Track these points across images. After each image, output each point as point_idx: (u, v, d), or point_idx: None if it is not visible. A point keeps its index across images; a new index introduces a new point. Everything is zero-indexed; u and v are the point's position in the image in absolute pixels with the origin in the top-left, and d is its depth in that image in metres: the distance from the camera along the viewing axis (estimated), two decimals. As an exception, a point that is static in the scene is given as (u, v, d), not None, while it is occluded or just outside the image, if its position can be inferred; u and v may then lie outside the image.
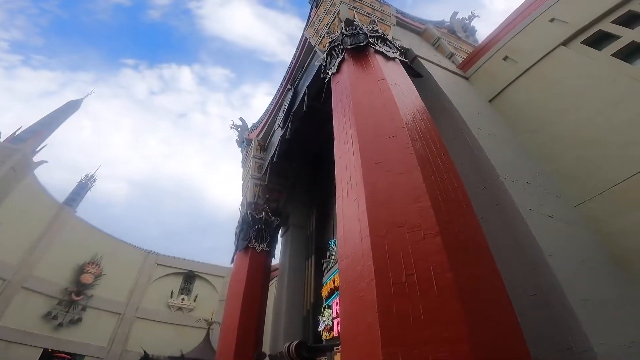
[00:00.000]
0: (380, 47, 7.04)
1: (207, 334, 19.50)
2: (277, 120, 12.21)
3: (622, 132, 5.89)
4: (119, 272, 23.15)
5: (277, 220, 12.92)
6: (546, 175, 6.58)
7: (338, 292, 10.93)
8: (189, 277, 24.64)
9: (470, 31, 11.23)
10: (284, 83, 12.55)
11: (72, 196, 28.71)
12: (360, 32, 7.26)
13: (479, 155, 6.24)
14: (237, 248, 12.77)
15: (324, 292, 11.66)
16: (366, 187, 4.71)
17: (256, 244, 12.41)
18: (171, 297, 23.65)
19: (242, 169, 15.05)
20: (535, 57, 7.37)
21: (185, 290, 24.38)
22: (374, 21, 7.90)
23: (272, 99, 13.77)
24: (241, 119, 15.56)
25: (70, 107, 36.41)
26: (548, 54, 7.16)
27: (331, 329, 10.73)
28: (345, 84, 6.61)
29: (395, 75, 6.46)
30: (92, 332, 21.60)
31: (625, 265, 5.44)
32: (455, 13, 11.44)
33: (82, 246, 23.16)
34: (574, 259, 5.26)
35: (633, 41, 6.04)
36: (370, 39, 7.05)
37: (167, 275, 24.26)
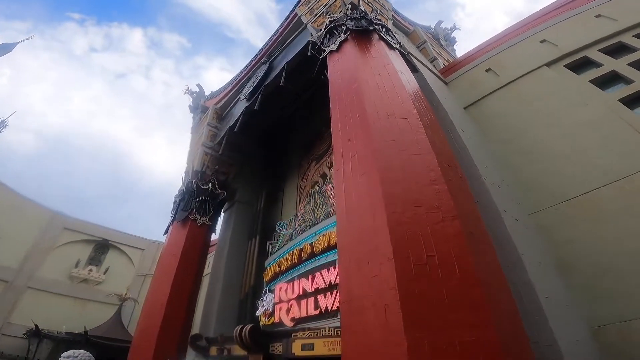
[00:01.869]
0: (384, 35, 6.96)
1: (118, 311, 17.28)
2: (244, 92, 11.62)
3: (581, 153, 6.41)
4: (15, 234, 19.16)
5: (224, 193, 11.96)
6: (509, 184, 6.97)
7: (284, 276, 10.51)
8: (102, 247, 21.21)
9: (450, 41, 11.73)
10: (259, 56, 12.11)
11: (-28, 142, 23.53)
12: (365, 17, 7.24)
13: (464, 154, 6.39)
14: (174, 218, 11.53)
15: (267, 275, 11.13)
16: (379, 162, 4.44)
17: (197, 216, 11.33)
18: (76, 266, 20.04)
19: (191, 135, 14.19)
20: (517, 73, 7.77)
21: (95, 260, 20.87)
22: (376, 10, 7.77)
23: (241, 71, 13.23)
24: (198, 85, 14.71)
25: (1, 50, 30.05)
26: (530, 72, 7.58)
27: (272, 314, 10.24)
28: (349, 63, 6.47)
29: (398, 64, 6.41)
30: (-32, 300, 17.79)
31: (566, 270, 5.92)
32: (440, 22, 11.98)
33: (-26, 199, 18.74)
34: (535, 260, 5.61)
35: (613, 70, 6.59)
36: (375, 26, 6.93)
37: (76, 242, 20.61)
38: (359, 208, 4.33)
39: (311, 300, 9.18)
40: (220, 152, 11.93)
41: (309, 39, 8.42)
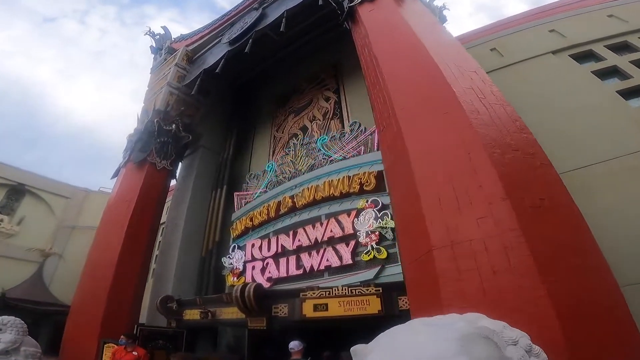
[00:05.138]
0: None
1: (40, 269, 14.04)
2: (227, 36, 10.80)
3: (577, 134, 6.73)
4: None
5: (189, 137, 10.53)
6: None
7: (256, 232, 9.62)
8: (16, 192, 16.66)
9: (442, 19, 11.61)
10: (248, 2, 11.33)
11: None
12: None
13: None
14: (127, 159, 9.78)
15: (236, 230, 10.14)
16: (463, 103, 4.02)
17: (157, 159, 9.76)
18: (-17, 215, 15.19)
19: (150, 75, 13.02)
20: (522, 56, 7.96)
21: (7, 208, 16.26)
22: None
23: (222, 15, 12.57)
24: (164, 27, 13.96)
25: None
26: (536, 57, 7.82)
27: (242, 273, 9.36)
28: (394, 14, 6.23)
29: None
30: None
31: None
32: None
33: None
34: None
35: (615, 65, 7.08)
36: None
37: (-17, 186, 15.70)
38: (443, 147, 3.89)
39: (292, 258, 8.54)
40: (192, 93, 10.60)
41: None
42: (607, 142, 6.48)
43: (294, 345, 4.60)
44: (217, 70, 9.72)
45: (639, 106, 6.56)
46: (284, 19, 8.89)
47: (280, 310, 6.08)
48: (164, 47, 13.04)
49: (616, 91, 6.86)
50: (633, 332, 2.72)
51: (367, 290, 5.73)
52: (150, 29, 13.74)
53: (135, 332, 6.86)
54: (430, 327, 1.43)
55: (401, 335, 1.50)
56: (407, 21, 5.69)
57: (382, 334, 1.70)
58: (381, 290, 5.66)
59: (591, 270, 3.01)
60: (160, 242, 11.02)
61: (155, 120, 9.78)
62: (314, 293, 5.93)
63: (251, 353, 6.23)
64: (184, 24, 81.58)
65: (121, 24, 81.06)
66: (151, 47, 13.61)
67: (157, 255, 10.65)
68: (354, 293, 5.74)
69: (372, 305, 5.57)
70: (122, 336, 5.86)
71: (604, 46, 7.50)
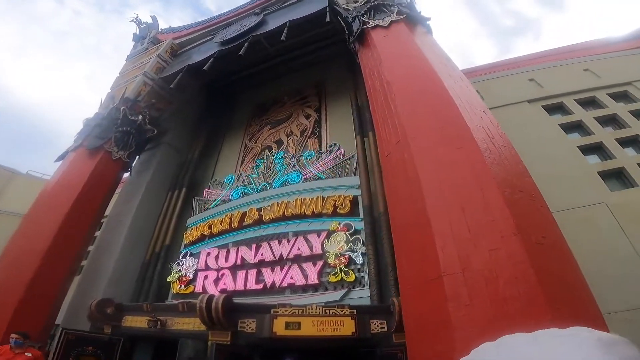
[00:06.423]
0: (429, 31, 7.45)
1: None
2: (220, 36, 10.87)
3: (538, 184, 7.54)
4: None
5: (154, 131, 9.84)
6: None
7: (213, 240, 9.09)
8: None
9: None
10: (247, 7, 11.62)
11: None
12: (412, 6, 7.57)
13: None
14: (79, 144, 8.82)
15: (191, 236, 9.48)
16: (477, 141, 4.31)
17: (115, 148, 8.95)
18: None
19: (125, 62, 12.54)
20: (501, 102, 8.70)
21: None
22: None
23: (218, 15, 12.69)
24: (153, 16, 14.00)
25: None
26: (513, 104, 8.59)
27: (191, 281, 8.65)
28: (408, 44, 6.53)
29: (451, 60, 6.66)
30: None
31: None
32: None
33: None
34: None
35: (580, 120, 7.95)
36: (425, 19, 7.43)
37: None
38: (456, 180, 4.09)
39: (252, 272, 8.15)
40: (171, 86, 10.20)
41: (337, 7, 8.29)
42: (564, 194, 7.08)
43: None
44: (204, 68, 9.57)
45: (594, 163, 7.42)
46: (286, 29, 8.98)
47: (248, 325, 5.69)
48: (148, 36, 12.74)
49: (577, 146, 7.68)
50: None
51: (342, 311, 5.65)
52: (137, 16, 13.63)
53: (60, 335, 5.93)
54: (558, 338, 1.45)
55: (523, 347, 1.49)
56: (423, 53, 5.98)
57: (483, 347, 1.64)
58: (355, 313, 5.59)
59: (587, 303, 3.31)
60: (97, 237, 9.80)
61: (122, 108, 9.08)
62: (286, 310, 5.66)
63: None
64: (166, 18, 78.09)
65: (99, 9, 75.98)
66: (134, 34, 13.36)
67: (90, 251, 9.41)
68: (328, 313, 5.63)
69: (346, 327, 5.49)
70: (12, 334, 5.03)
71: (574, 100, 8.42)
